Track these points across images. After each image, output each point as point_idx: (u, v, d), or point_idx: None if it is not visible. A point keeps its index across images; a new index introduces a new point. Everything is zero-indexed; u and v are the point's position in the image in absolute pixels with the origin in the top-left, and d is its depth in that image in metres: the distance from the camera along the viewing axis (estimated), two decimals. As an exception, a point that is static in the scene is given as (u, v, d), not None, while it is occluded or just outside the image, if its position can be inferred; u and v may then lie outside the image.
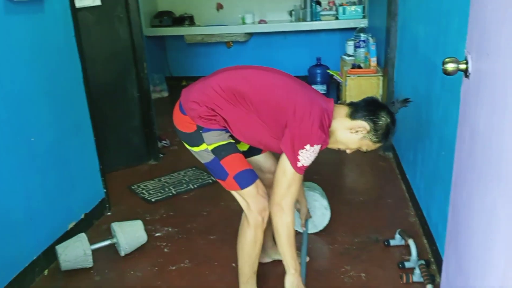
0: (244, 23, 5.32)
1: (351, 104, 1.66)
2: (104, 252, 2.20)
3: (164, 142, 3.65)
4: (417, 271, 1.86)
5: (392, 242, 2.14)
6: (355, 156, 3.26)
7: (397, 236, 2.14)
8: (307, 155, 1.52)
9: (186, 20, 5.36)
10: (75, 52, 2.39)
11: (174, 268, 2.09)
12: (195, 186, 2.91)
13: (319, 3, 5.07)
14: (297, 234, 2.18)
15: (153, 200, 2.75)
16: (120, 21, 3.05)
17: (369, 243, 2.20)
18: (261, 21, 5.31)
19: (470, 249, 1.11)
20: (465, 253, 1.15)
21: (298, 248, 2.05)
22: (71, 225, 2.30)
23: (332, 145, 1.65)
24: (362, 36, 3.93)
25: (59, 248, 2.05)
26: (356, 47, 3.96)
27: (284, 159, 1.55)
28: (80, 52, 2.42)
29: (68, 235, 2.22)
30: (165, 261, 2.14)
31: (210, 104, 1.57)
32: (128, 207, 2.69)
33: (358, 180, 3.08)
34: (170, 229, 2.41)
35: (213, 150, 1.60)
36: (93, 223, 2.50)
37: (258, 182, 1.63)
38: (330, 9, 5.05)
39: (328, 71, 4.47)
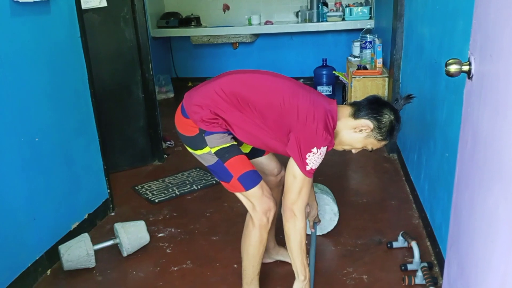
0: (250, 24, 5.32)
1: (354, 104, 1.65)
2: (107, 252, 2.21)
3: (169, 142, 3.66)
4: (419, 273, 1.85)
5: (395, 244, 2.13)
6: (359, 158, 3.26)
7: (400, 238, 2.12)
8: (315, 158, 1.52)
9: (193, 21, 5.38)
10: (80, 53, 2.40)
11: (176, 269, 2.09)
12: (199, 187, 2.91)
13: (325, 4, 5.06)
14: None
15: (156, 200, 2.75)
16: (126, 22, 3.06)
17: (372, 245, 2.19)
18: (268, 22, 5.31)
19: (472, 252, 1.09)
20: (466, 256, 1.14)
21: (307, 250, 2.05)
22: (74, 225, 2.31)
23: (338, 146, 1.65)
24: (369, 37, 3.91)
25: (62, 248, 2.06)
26: (362, 48, 3.95)
27: (293, 164, 1.54)
28: (86, 53, 2.43)
29: (71, 235, 2.23)
30: (167, 261, 2.14)
31: (213, 108, 1.57)
32: (131, 207, 2.70)
33: (362, 182, 3.06)
34: (173, 230, 2.42)
35: (216, 153, 1.60)
36: (97, 223, 2.50)
37: (262, 182, 1.63)
38: (337, 10, 5.04)
39: (334, 72, 4.45)
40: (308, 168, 1.52)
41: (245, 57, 5.63)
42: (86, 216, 2.42)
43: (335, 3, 5.14)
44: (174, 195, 2.82)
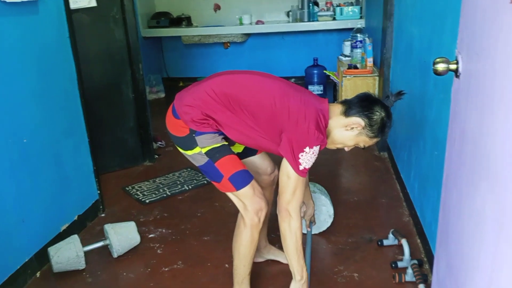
0: (241, 23, 5.32)
1: (344, 102, 1.65)
2: (97, 253, 2.19)
3: (160, 143, 3.65)
4: (409, 270, 1.86)
5: (385, 242, 2.14)
6: (350, 156, 3.27)
7: (390, 236, 2.13)
8: (308, 157, 1.52)
9: (184, 21, 5.36)
10: (69, 53, 2.38)
11: (167, 269, 2.08)
12: (190, 187, 2.90)
13: (316, 4, 5.07)
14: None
15: (147, 201, 2.74)
16: (115, 22, 3.05)
17: (363, 243, 2.20)
18: (259, 22, 5.30)
19: (460, 249, 1.10)
20: (455, 253, 1.15)
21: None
22: (64, 227, 2.29)
23: (330, 144, 1.65)
24: (359, 36, 3.92)
25: (52, 250, 2.04)
26: (353, 47, 3.96)
27: (286, 164, 1.55)
28: (75, 53, 2.41)
29: (61, 236, 2.21)
30: (158, 262, 2.14)
31: (204, 109, 1.57)
32: (122, 208, 2.68)
33: (353, 180, 3.07)
34: (163, 230, 2.41)
35: (207, 153, 1.59)
36: (87, 225, 2.49)
37: (253, 182, 1.63)
38: (328, 10, 5.04)
39: (325, 71, 4.47)
40: (301, 167, 1.52)
41: (237, 57, 5.63)
42: (76, 218, 2.40)
43: (326, 3, 5.15)
44: (165, 195, 2.81)
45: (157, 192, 2.84)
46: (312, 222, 2.10)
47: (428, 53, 2.10)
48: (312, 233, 2.26)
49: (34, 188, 2.09)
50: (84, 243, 2.12)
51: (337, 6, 4.96)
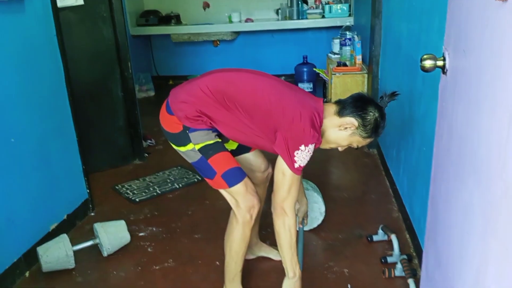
0: (231, 21, 5.31)
1: (339, 102, 1.66)
2: (87, 253, 2.18)
3: (150, 141, 3.63)
4: (399, 265, 1.88)
5: (375, 238, 2.16)
6: (340, 153, 3.27)
7: (380, 231, 2.15)
8: (303, 155, 1.53)
9: (173, 19, 5.33)
10: (56, 52, 2.36)
11: (157, 267, 2.08)
12: (180, 185, 2.89)
13: (305, 2, 5.08)
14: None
15: (137, 200, 2.73)
16: (103, 21, 3.02)
17: (353, 239, 2.22)
18: (248, 20, 5.30)
19: (448, 243, 1.12)
20: (443, 248, 1.16)
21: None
22: (53, 226, 2.27)
23: (324, 144, 1.66)
24: (348, 34, 3.95)
25: (40, 250, 2.02)
26: (342, 45, 3.98)
27: (281, 162, 1.55)
28: (62, 52, 2.39)
29: (50, 236, 2.19)
30: (149, 260, 2.13)
31: (198, 106, 1.57)
32: (112, 207, 2.67)
33: (342, 177, 3.09)
34: (154, 229, 2.40)
35: (200, 150, 1.59)
36: (76, 224, 2.47)
37: (246, 179, 1.63)
38: (317, 8, 5.05)
39: (314, 69, 4.48)
40: (296, 165, 1.53)
41: (226, 55, 5.62)
42: (65, 217, 2.38)
43: (315, 1, 5.16)
44: (155, 194, 2.80)
45: (147, 191, 2.83)
46: (304, 219, 2.11)
47: (416, 50, 2.12)
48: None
49: (22, 188, 2.07)
50: (73, 242, 2.10)
51: (326, 4, 4.97)
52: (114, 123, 3.20)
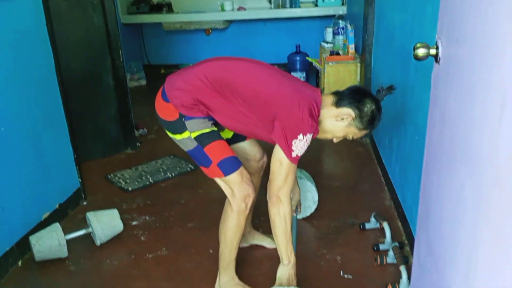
0: (223, 10, 5.26)
1: (336, 93, 1.67)
2: (80, 242, 2.17)
3: (142, 130, 3.61)
4: (391, 253, 1.90)
5: (367, 226, 2.18)
6: (333, 143, 3.29)
7: (372, 219, 2.17)
8: (301, 144, 1.53)
9: (164, 7, 5.27)
10: (46, 40, 2.32)
11: (151, 256, 2.08)
12: (173, 174, 2.89)
13: (298, -10, 5.04)
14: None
15: (130, 189, 2.72)
16: (94, 8, 2.98)
17: (345, 227, 2.23)
18: (240, 8, 5.25)
19: (440, 231, 1.13)
20: (435, 235, 1.18)
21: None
22: (45, 216, 2.26)
23: (320, 134, 1.67)
24: (341, 23, 3.93)
25: (33, 239, 2.01)
26: (335, 34, 3.97)
27: (279, 151, 1.56)
28: (52, 40, 2.36)
29: (43, 225, 2.18)
30: (142, 249, 2.13)
31: (194, 94, 1.56)
32: (104, 196, 2.66)
33: (335, 166, 3.11)
34: (147, 218, 2.40)
35: (196, 138, 1.59)
36: (68, 213, 2.46)
37: (242, 169, 1.63)
38: (309, -4, 5.03)
39: (307, 58, 4.47)
40: (294, 154, 1.54)
41: (218, 44, 5.57)
42: (57, 206, 2.37)
43: (308, -11, 5.12)
44: (147, 183, 2.79)
45: (140, 180, 2.83)
46: (297, 207, 2.12)
47: (409, 39, 2.12)
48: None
49: (13, 177, 2.05)
50: (66, 232, 2.10)
51: (319, -8, 4.94)
52: (105, 112, 3.18)
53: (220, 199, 1.79)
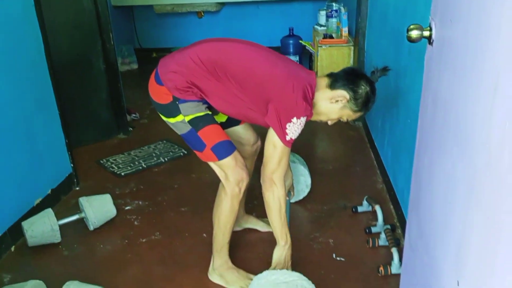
0: (215, -8, 5.18)
1: (330, 75, 1.66)
2: (73, 227, 2.17)
3: (134, 115, 3.58)
4: (382, 235, 1.92)
5: (359, 209, 2.19)
6: (326, 126, 3.28)
7: (365, 202, 2.19)
8: (295, 128, 1.53)
9: (155, -11, 5.18)
10: (35, 23, 2.28)
11: (144, 240, 2.08)
12: (166, 159, 2.88)
13: (291, -28, 4.98)
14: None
15: (122, 174, 2.71)
16: (83, -10, 2.92)
17: (338, 210, 2.25)
18: (232, -10, 5.18)
19: (431, 212, 1.14)
20: (426, 217, 1.19)
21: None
22: (37, 201, 2.25)
23: (314, 116, 1.66)
24: (334, 6, 3.89)
25: (25, 224, 2.01)
26: (328, 17, 3.93)
27: (273, 134, 1.55)
28: (41, 23, 2.31)
29: (35, 211, 2.17)
30: (135, 234, 2.13)
31: (188, 76, 1.55)
32: (97, 181, 2.65)
33: (328, 150, 3.11)
34: (140, 203, 2.40)
35: (190, 121, 1.58)
36: (61, 199, 2.45)
37: (235, 153, 1.63)
38: (302, -22, 4.96)
39: (300, 41, 4.43)
40: (288, 138, 1.53)
41: (211, 27, 5.51)
42: (49, 192, 2.36)
43: (301, -29, 5.06)
44: (140, 168, 2.78)
45: (132, 165, 2.81)
46: (290, 191, 2.12)
47: (402, 21, 2.10)
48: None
49: (5, 162, 2.03)
50: (59, 217, 2.09)
51: (312, -26, 4.88)
52: (97, 96, 3.14)
53: (213, 183, 1.78)
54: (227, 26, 5.47)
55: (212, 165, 1.65)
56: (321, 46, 3.49)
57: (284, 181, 1.65)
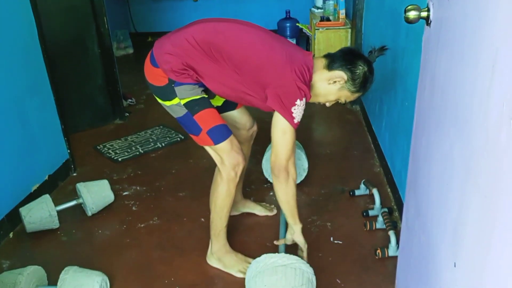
0: (210, -25, 5.12)
1: (328, 56, 1.64)
2: (71, 213, 2.17)
3: (130, 100, 3.56)
4: (380, 218, 1.93)
5: (357, 192, 2.20)
6: (323, 110, 3.28)
7: (362, 186, 2.19)
8: (299, 110, 1.52)
9: (149, -28, 5.11)
10: (28, 7, 2.24)
11: (142, 225, 2.09)
12: (163, 144, 2.87)
13: (287, -47, 4.91)
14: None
15: (120, 159, 2.70)
16: (76, -27, 2.87)
17: (335, 193, 2.25)
18: (228, -27, 5.12)
19: (428, 194, 1.14)
20: (423, 198, 1.19)
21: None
22: (34, 187, 2.25)
23: (313, 98, 1.64)
24: (331, -13, 3.85)
25: (23, 211, 2.01)
26: (325, -1, 3.89)
27: (280, 120, 1.52)
28: (34, 6, 2.27)
29: (33, 197, 2.17)
30: (134, 219, 2.14)
31: (184, 58, 1.52)
32: (94, 167, 2.64)
33: (325, 133, 3.11)
34: (138, 188, 2.40)
35: (185, 105, 1.56)
36: (58, 184, 2.45)
37: (232, 137, 1.62)
38: (299, -40, 4.90)
39: (297, 24, 4.39)
40: (295, 121, 1.52)
41: (207, 10, 5.45)
42: (46, 178, 2.35)
43: (297, -48, 4.99)
44: (137, 153, 2.77)
45: (129, 150, 2.81)
46: None
47: (400, 2, 2.08)
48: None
49: (0, 148, 2.02)
50: (56, 203, 2.09)
51: (309, -45, 4.81)
52: (92, 81, 3.12)
53: (210, 168, 1.78)
54: (222, 9, 5.41)
55: (208, 149, 1.65)
56: (318, 29, 3.46)
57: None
